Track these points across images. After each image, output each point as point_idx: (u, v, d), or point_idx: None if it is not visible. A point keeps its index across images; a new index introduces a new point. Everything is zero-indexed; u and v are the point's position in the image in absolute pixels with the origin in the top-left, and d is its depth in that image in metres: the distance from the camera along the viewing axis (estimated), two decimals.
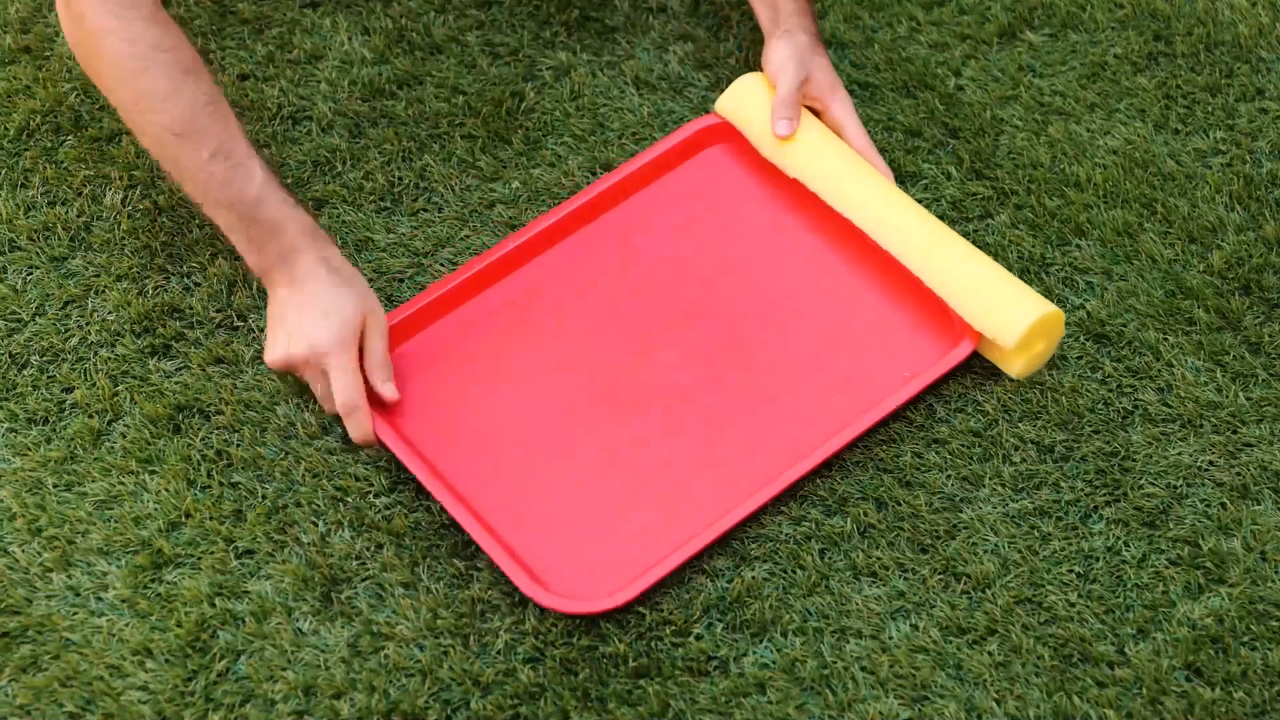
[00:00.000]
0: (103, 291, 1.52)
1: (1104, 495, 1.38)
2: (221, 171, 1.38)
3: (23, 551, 1.36)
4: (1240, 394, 1.43)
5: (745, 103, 1.57)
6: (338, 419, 1.42)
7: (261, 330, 1.49)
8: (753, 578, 1.34)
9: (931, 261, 1.45)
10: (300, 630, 1.32)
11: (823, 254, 1.51)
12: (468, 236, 1.56)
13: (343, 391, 1.36)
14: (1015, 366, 1.43)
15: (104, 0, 1.36)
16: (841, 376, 1.43)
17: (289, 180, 1.59)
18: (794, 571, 1.34)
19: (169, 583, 1.34)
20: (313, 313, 1.37)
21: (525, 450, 1.41)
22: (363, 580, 1.34)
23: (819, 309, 1.48)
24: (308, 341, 1.37)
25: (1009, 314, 1.40)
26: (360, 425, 1.37)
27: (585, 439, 1.41)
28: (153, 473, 1.40)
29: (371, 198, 1.58)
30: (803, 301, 1.49)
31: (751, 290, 1.50)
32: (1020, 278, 1.50)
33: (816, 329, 1.47)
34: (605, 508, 1.37)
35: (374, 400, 1.41)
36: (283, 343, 1.38)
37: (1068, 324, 1.48)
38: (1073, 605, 1.32)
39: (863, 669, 1.29)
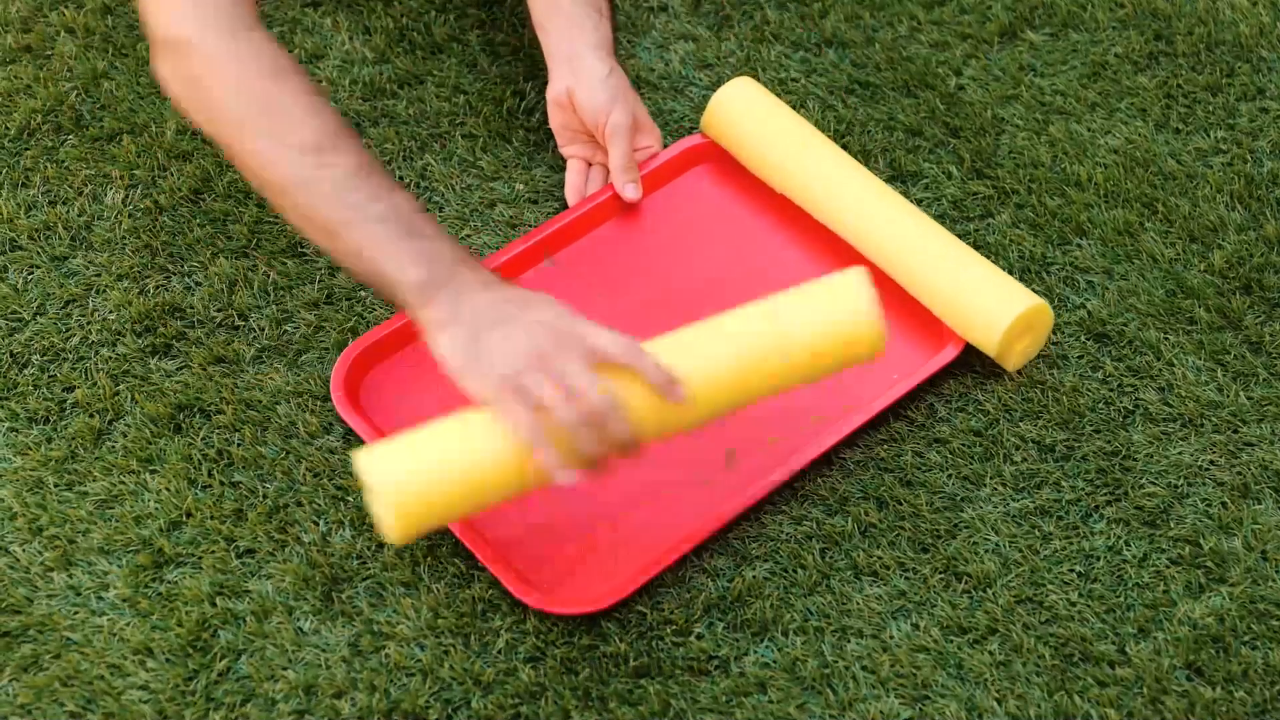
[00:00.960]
0: (104, 291, 1.52)
1: (1105, 495, 1.38)
2: (371, 185, 1.23)
3: (24, 551, 1.36)
4: (1241, 393, 1.43)
5: (727, 118, 1.57)
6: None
7: (262, 329, 1.49)
8: (753, 577, 1.34)
9: (910, 274, 1.45)
10: (301, 630, 1.32)
11: (811, 266, 1.51)
12: (469, 236, 1.56)
13: (624, 351, 1.19)
14: (1009, 363, 1.43)
15: (216, 26, 1.26)
16: (830, 381, 1.43)
17: None
18: (795, 571, 1.34)
19: (170, 582, 1.34)
20: (535, 300, 1.22)
21: None
22: (363, 580, 1.34)
23: None
24: (551, 321, 1.20)
25: (984, 325, 1.40)
26: (623, 424, 1.20)
27: None
28: (154, 472, 1.40)
29: None
30: None
31: (740, 300, 1.49)
32: (1021, 277, 1.50)
33: None
34: (597, 511, 1.37)
35: (369, 407, 1.42)
36: (504, 344, 1.19)
37: (1068, 323, 1.48)
38: (1073, 605, 1.32)
39: (864, 668, 1.29)
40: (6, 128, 1.64)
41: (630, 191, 1.54)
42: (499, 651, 1.30)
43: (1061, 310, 1.49)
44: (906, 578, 1.34)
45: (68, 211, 1.57)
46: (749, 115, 1.56)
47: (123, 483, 1.40)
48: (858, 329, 1.25)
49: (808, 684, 1.29)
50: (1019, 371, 1.45)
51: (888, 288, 1.48)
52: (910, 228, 1.47)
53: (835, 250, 1.51)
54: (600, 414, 1.18)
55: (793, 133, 1.54)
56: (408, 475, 1.19)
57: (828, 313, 1.25)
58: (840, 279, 1.26)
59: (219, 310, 1.50)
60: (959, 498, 1.38)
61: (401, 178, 1.59)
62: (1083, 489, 1.38)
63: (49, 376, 1.46)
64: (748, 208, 1.56)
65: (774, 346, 1.25)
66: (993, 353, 1.41)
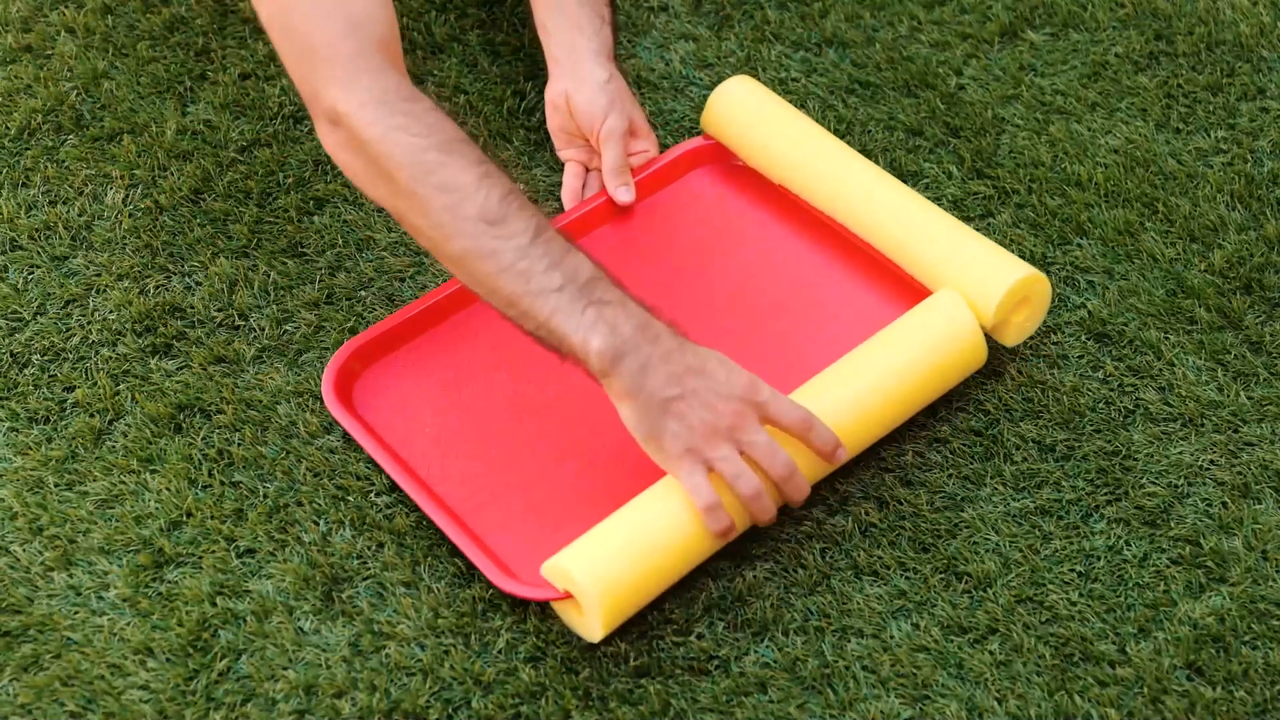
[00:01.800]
0: (104, 291, 1.52)
1: (1105, 494, 1.38)
2: (548, 252, 1.24)
3: (24, 550, 1.36)
4: (1241, 393, 1.43)
5: (729, 111, 1.57)
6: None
7: (262, 329, 1.49)
8: (754, 577, 1.34)
9: (910, 256, 1.46)
10: (301, 629, 1.32)
11: (813, 267, 1.51)
12: None
13: (793, 421, 1.27)
14: (1007, 337, 1.43)
15: (380, 103, 1.26)
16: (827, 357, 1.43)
17: (289, 179, 1.59)
18: (795, 570, 1.34)
19: (170, 582, 1.34)
20: (712, 365, 1.26)
21: (511, 454, 1.40)
22: (364, 579, 1.34)
23: (810, 318, 1.47)
24: (739, 394, 1.25)
25: (979, 297, 1.40)
26: (803, 485, 1.29)
27: (572, 441, 1.40)
28: (154, 472, 1.40)
29: None
30: (793, 312, 1.48)
31: (740, 300, 1.49)
32: None
33: (808, 337, 1.46)
34: (593, 506, 1.36)
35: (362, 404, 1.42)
36: (686, 416, 1.25)
37: (1069, 323, 1.48)
38: (1074, 604, 1.32)
39: (864, 668, 1.29)
40: (7, 127, 1.64)
41: (622, 195, 1.54)
42: (499, 651, 1.30)
43: (1062, 310, 1.49)
44: (907, 577, 1.34)
45: (68, 211, 1.57)
46: (751, 106, 1.56)
47: (123, 482, 1.40)
48: (967, 341, 1.39)
49: (808, 684, 1.29)
50: (1019, 371, 1.45)
51: (887, 286, 1.48)
52: (910, 210, 1.47)
53: (837, 246, 1.51)
54: (782, 479, 1.28)
55: (794, 121, 1.54)
56: (610, 575, 1.26)
57: (939, 334, 1.38)
58: (938, 299, 1.40)
59: (219, 310, 1.50)
60: (959, 497, 1.38)
61: None
62: (1083, 489, 1.38)
63: (49, 376, 1.46)
64: (750, 209, 1.56)
65: (898, 381, 1.37)
66: (988, 325, 1.41)
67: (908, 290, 1.47)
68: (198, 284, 1.52)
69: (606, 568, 1.26)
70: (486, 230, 1.24)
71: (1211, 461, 1.39)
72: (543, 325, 1.25)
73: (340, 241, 1.55)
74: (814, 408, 1.32)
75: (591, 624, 1.27)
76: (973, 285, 1.41)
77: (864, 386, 1.36)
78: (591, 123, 1.54)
